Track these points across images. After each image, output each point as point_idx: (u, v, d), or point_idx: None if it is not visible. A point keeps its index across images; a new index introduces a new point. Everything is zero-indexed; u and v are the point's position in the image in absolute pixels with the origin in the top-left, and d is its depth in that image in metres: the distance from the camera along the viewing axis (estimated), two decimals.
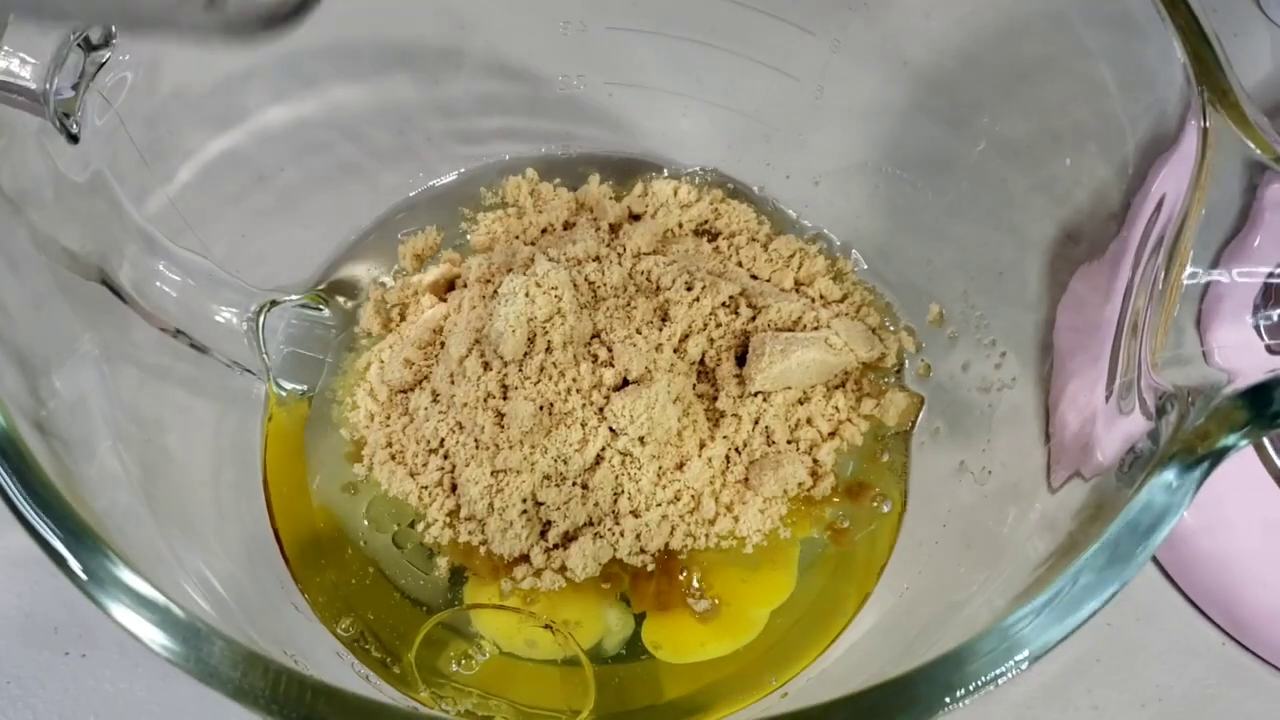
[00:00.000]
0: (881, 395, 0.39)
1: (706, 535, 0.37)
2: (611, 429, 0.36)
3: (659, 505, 0.37)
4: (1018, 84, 0.35)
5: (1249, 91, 0.25)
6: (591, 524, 0.37)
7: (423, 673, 0.35)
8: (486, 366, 0.37)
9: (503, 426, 0.36)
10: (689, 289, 0.39)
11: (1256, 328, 0.26)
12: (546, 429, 0.36)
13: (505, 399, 0.36)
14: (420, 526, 0.37)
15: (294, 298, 0.40)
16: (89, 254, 0.33)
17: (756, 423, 0.38)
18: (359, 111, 0.42)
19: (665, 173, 0.44)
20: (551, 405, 0.36)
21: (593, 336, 0.38)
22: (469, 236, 0.43)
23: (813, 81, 0.40)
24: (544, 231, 0.43)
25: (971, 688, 0.22)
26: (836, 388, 0.39)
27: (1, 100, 0.29)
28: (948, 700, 0.21)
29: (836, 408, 0.39)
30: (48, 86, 0.29)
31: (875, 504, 0.38)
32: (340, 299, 0.42)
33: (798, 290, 0.41)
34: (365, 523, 0.38)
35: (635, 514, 0.36)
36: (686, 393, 0.37)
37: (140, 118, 0.34)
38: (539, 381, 0.36)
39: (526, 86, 0.43)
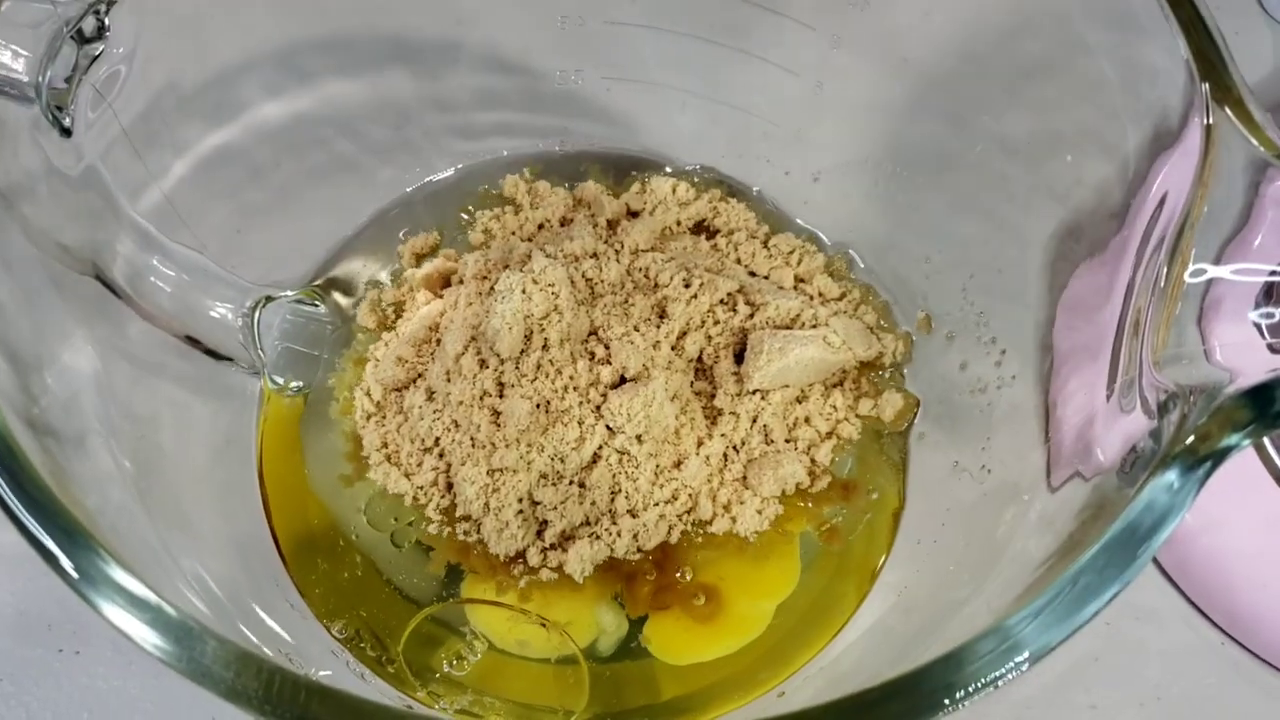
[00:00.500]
0: (879, 394, 0.39)
1: (704, 534, 0.37)
2: (609, 427, 0.36)
3: (656, 505, 0.36)
4: (1019, 82, 0.35)
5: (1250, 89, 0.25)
6: (588, 523, 0.37)
7: (416, 670, 0.35)
8: (483, 364, 0.36)
9: (499, 425, 0.36)
10: (687, 286, 0.39)
11: (1258, 326, 0.26)
12: (543, 427, 0.36)
13: (501, 397, 0.36)
14: (417, 526, 0.37)
15: (289, 293, 0.40)
16: (82, 249, 0.33)
17: (754, 421, 0.38)
18: (355, 106, 0.41)
19: (667, 170, 0.44)
20: (548, 403, 0.36)
21: (590, 334, 0.37)
22: (469, 234, 0.43)
23: (812, 77, 0.39)
24: (541, 227, 0.42)
25: (971, 689, 0.22)
26: (834, 386, 0.39)
27: None
28: (947, 701, 0.21)
29: (834, 406, 0.39)
30: (40, 79, 0.29)
31: (868, 502, 0.38)
32: (336, 295, 0.42)
33: (797, 287, 0.41)
34: (362, 521, 0.38)
35: (633, 513, 0.36)
36: (684, 390, 0.37)
37: (134, 111, 0.34)
38: (536, 379, 0.36)
39: (524, 81, 0.43)
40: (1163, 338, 0.25)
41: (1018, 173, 0.35)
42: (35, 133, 0.30)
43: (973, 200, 0.38)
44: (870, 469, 0.39)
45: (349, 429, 0.39)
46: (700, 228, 0.43)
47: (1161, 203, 0.27)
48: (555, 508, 0.36)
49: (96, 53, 0.30)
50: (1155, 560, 0.40)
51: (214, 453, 0.37)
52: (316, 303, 0.41)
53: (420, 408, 0.37)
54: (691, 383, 0.38)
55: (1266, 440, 0.38)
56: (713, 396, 0.38)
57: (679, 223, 0.43)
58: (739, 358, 0.39)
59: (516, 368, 0.36)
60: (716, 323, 0.39)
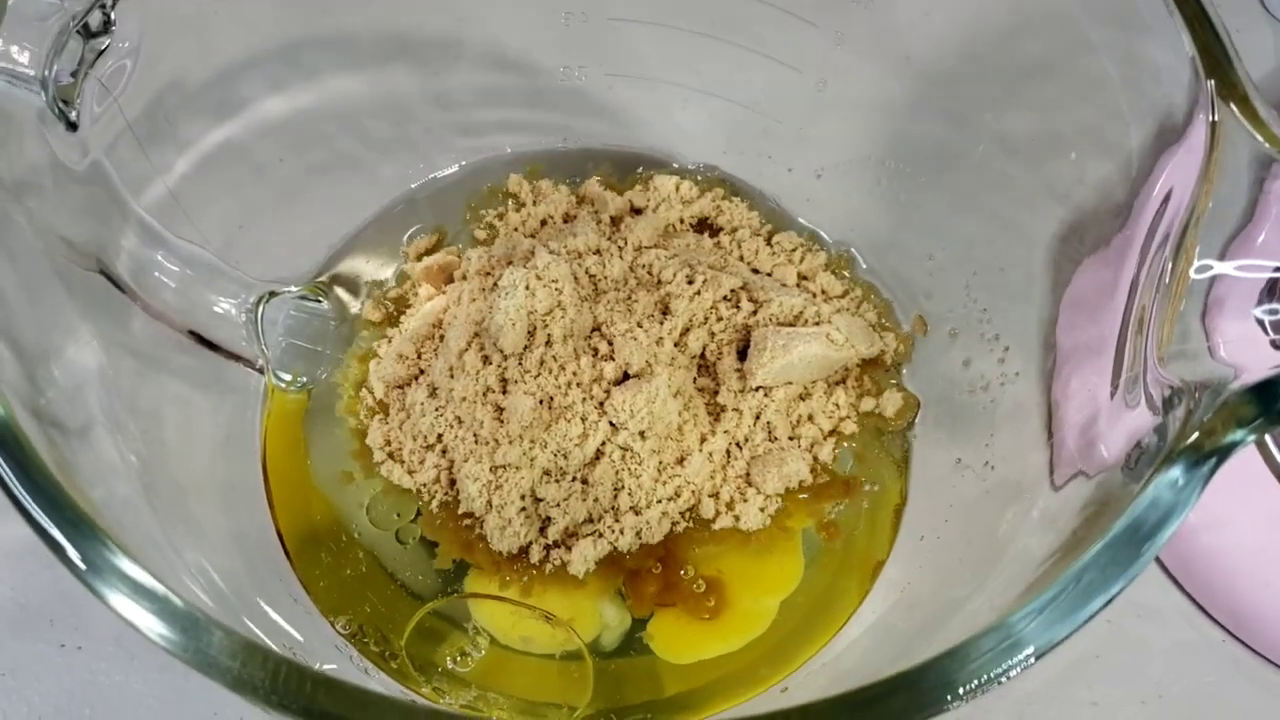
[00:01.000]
0: (881, 392, 0.39)
1: (707, 530, 0.37)
2: (612, 423, 0.36)
3: (659, 501, 0.36)
4: (1021, 80, 0.35)
5: None
6: (591, 520, 0.37)
7: (419, 666, 0.35)
8: (486, 360, 0.36)
9: (502, 421, 0.36)
10: (690, 283, 0.39)
11: (1261, 322, 0.26)
12: (546, 423, 0.36)
13: (505, 393, 0.36)
14: (420, 522, 0.37)
15: (293, 289, 0.40)
16: (87, 243, 0.33)
17: (758, 418, 0.38)
18: (358, 103, 0.41)
19: (673, 166, 0.44)
20: (551, 399, 0.36)
21: (593, 330, 0.37)
22: (472, 230, 0.43)
23: (815, 75, 0.40)
24: (544, 224, 0.42)
25: (974, 685, 0.22)
26: (837, 384, 0.39)
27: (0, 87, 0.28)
28: (950, 697, 0.21)
29: (837, 404, 0.39)
30: (47, 73, 0.28)
31: (870, 498, 0.38)
32: (340, 291, 0.42)
33: (800, 284, 0.41)
34: (366, 517, 0.38)
35: (636, 510, 0.36)
36: (687, 387, 0.37)
37: (139, 106, 0.34)
38: (539, 375, 0.36)
39: (526, 78, 0.43)
40: (1167, 334, 0.25)
41: (1020, 171, 0.35)
42: (41, 127, 0.30)
43: (975, 198, 0.38)
44: (872, 466, 0.39)
45: (352, 425, 0.39)
46: (703, 225, 0.43)
47: (1166, 199, 0.27)
48: (558, 504, 0.36)
49: (102, 47, 0.30)
50: (1157, 558, 0.40)
51: (217, 448, 0.38)
52: (320, 299, 0.41)
53: (422, 404, 0.38)
54: (695, 379, 0.38)
55: (1268, 438, 0.38)
56: (716, 393, 0.38)
57: (682, 220, 0.43)
58: (742, 354, 0.39)
59: (520, 364, 0.36)
60: (720, 319, 0.39)
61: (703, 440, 0.37)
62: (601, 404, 0.36)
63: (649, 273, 0.39)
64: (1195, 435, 0.23)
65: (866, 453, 0.39)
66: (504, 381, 0.36)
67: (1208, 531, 0.38)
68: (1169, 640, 0.39)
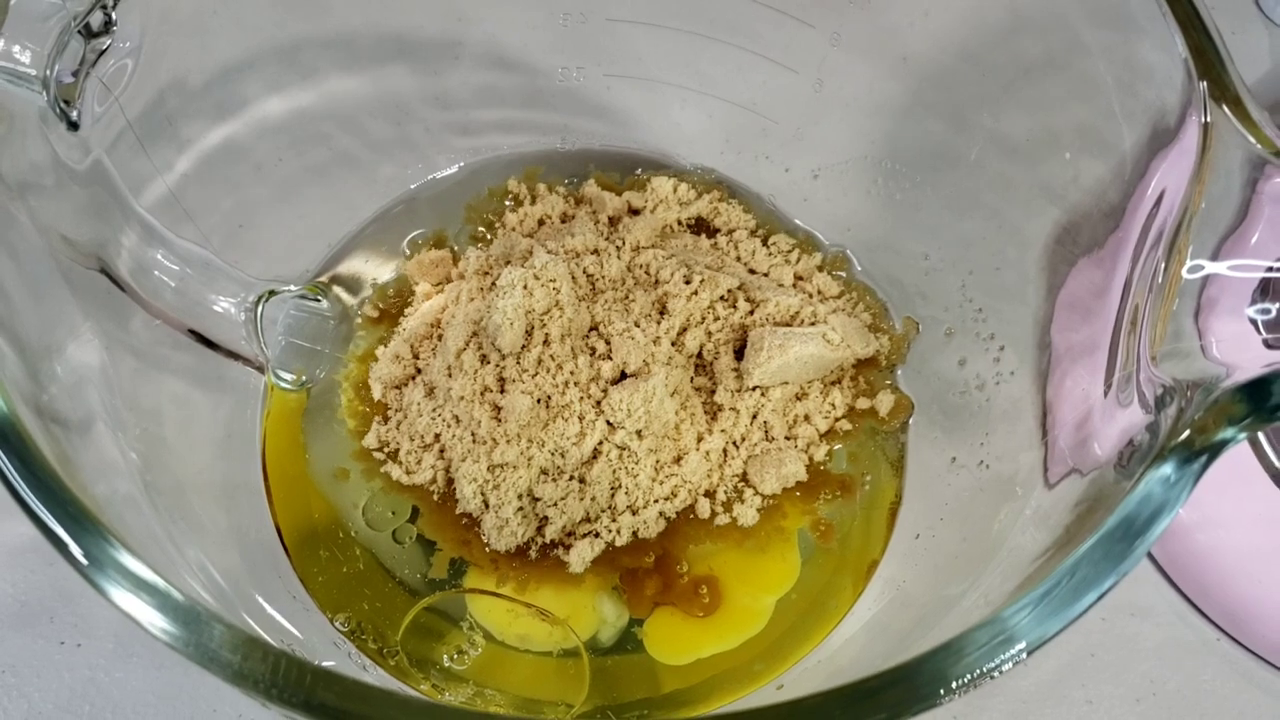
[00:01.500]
0: (876, 392, 0.39)
1: (705, 529, 0.37)
2: (609, 422, 0.36)
3: (656, 501, 0.37)
4: (1017, 81, 0.35)
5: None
6: (588, 519, 0.37)
7: (416, 662, 0.35)
8: (484, 359, 0.37)
9: (499, 420, 0.36)
10: (687, 282, 0.39)
11: (1254, 322, 0.26)
12: (544, 422, 0.36)
13: (502, 392, 0.36)
14: (418, 521, 0.37)
15: (292, 288, 0.40)
16: (88, 242, 0.33)
17: (755, 417, 0.38)
18: (357, 103, 0.42)
19: (671, 169, 0.44)
20: (549, 398, 0.36)
21: (591, 329, 0.38)
22: (471, 230, 0.43)
23: (812, 75, 0.40)
24: (542, 224, 0.43)
25: (968, 679, 0.22)
26: (833, 384, 0.39)
27: (2, 86, 0.29)
28: (943, 691, 0.21)
29: (833, 404, 0.39)
30: (49, 73, 0.29)
31: (865, 497, 0.38)
32: (339, 290, 0.42)
33: (796, 285, 0.41)
34: (364, 516, 0.38)
35: (633, 510, 0.36)
36: (684, 386, 0.37)
37: (139, 106, 0.34)
38: (537, 374, 0.36)
39: (525, 79, 0.43)
40: (1160, 333, 0.25)
41: (1016, 171, 0.35)
42: (43, 126, 0.30)
43: (971, 199, 0.38)
44: (867, 466, 0.39)
45: (351, 425, 0.39)
46: (700, 226, 0.43)
47: (1159, 200, 0.27)
48: (555, 504, 0.36)
49: (103, 47, 0.31)
50: (1150, 556, 0.40)
51: (217, 446, 0.38)
52: (319, 298, 0.41)
53: (419, 404, 0.38)
54: (692, 379, 0.38)
55: (1261, 437, 0.38)
56: (713, 392, 0.38)
57: (679, 221, 0.43)
58: (739, 354, 0.39)
59: (518, 363, 0.36)
60: (717, 319, 0.39)
61: (700, 440, 0.37)
62: (599, 403, 0.36)
63: (646, 272, 0.39)
64: (1187, 433, 0.23)
65: (861, 452, 0.39)
66: (502, 381, 0.36)
67: (1202, 530, 0.38)
68: (1163, 639, 0.40)
